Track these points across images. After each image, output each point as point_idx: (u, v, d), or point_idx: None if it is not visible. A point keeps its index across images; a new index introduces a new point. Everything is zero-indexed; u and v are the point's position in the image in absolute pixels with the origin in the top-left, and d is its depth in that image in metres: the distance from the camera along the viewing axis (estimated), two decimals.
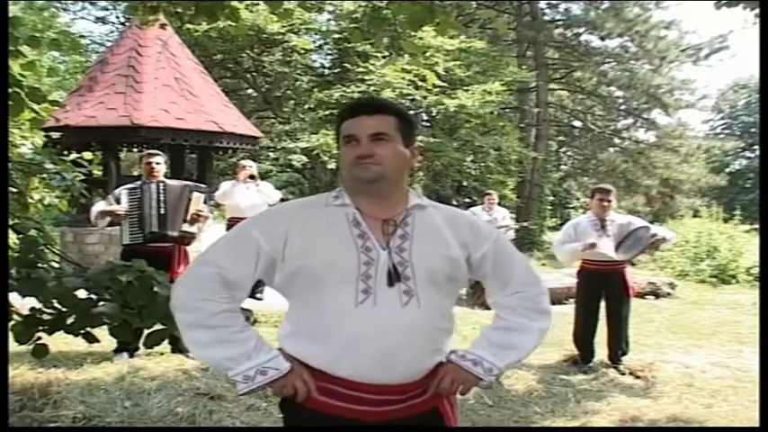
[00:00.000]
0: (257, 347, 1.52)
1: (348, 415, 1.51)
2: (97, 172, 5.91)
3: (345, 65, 13.84)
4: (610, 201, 4.82)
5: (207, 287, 1.52)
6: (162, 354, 4.72)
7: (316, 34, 15.07)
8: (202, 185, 5.05)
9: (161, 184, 4.73)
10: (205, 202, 4.91)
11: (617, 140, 23.57)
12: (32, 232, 2.46)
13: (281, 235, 1.53)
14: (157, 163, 4.82)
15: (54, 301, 2.10)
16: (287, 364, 1.52)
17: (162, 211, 4.67)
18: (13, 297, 2.17)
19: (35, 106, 2.88)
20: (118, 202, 4.73)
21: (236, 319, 1.55)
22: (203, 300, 1.52)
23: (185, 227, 4.73)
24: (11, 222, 2.46)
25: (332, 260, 1.50)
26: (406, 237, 1.55)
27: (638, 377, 4.67)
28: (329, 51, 15.37)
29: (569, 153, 25.70)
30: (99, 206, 4.77)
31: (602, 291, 4.87)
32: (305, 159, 15.19)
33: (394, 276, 1.49)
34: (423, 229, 1.57)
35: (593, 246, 4.64)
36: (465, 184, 15.39)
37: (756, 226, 13.46)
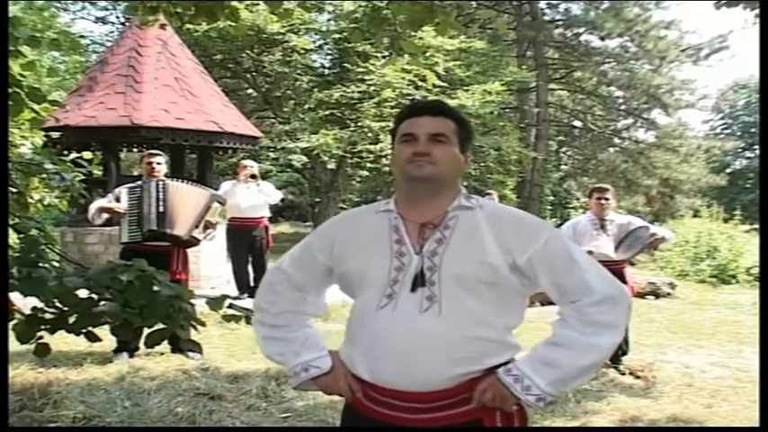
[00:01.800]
0: (306, 345, 1.62)
1: (388, 420, 1.50)
2: (97, 172, 5.91)
3: (345, 65, 13.83)
4: (607, 199, 4.82)
5: (274, 290, 1.68)
6: (162, 354, 4.72)
7: (316, 34, 15.05)
8: (223, 197, 5.11)
9: (161, 183, 4.74)
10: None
11: (617, 140, 23.57)
12: (33, 232, 2.47)
13: (329, 243, 1.62)
14: (158, 163, 4.83)
15: (55, 300, 2.10)
16: (329, 363, 1.58)
17: (161, 209, 4.68)
18: (15, 297, 2.17)
19: (35, 106, 2.88)
20: (118, 200, 4.74)
21: (297, 319, 1.66)
22: (269, 301, 1.67)
23: (196, 232, 4.76)
24: (11, 222, 2.47)
25: (364, 266, 1.54)
26: (442, 241, 1.51)
27: (638, 377, 4.67)
28: (329, 51, 15.36)
29: (569, 153, 25.70)
30: (98, 203, 4.78)
31: None
32: (305, 159, 15.18)
33: (419, 281, 1.47)
34: (461, 233, 1.51)
35: (590, 253, 4.63)
36: (465, 184, 15.34)
37: (756, 226, 13.46)
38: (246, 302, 5.02)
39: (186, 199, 4.79)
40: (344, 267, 1.58)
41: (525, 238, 1.50)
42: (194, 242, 4.84)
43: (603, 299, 1.48)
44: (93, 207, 4.74)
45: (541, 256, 1.48)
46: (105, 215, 4.77)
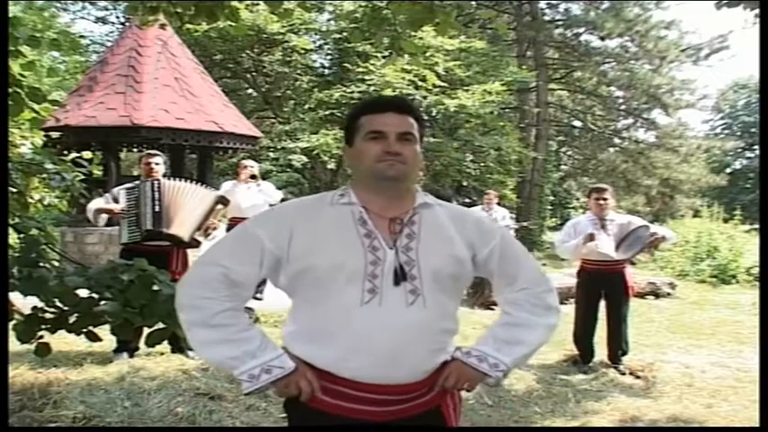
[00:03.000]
0: (262, 346, 1.52)
1: (352, 415, 1.50)
2: (97, 172, 5.91)
3: (345, 65, 13.83)
4: (606, 199, 4.83)
5: (210, 286, 1.52)
6: (162, 354, 4.72)
7: (316, 34, 15.06)
8: (227, 199, 5.07)
9: (155, 183, 4.73)
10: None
11: (617, 140, 23.58)
12: (34, 232, 2.47)
13: (285, 234, 1.53)
14: (156, 163, 4.83)
15: (56, 300, 2.10)
16: (291, 363, 1.51)
17: (156, 209, 4.66)
18: (15, 296, 2.17)
19: (35, 106, 2.88)
20: (116, 201, 4.73)
21: (240, 317, 1.54)
22: (206, 299, 1.52)
23: (198, 234, 4.75)
24: (11, 222, 2.47)
25: (339, 259, 1.49)
26: (412, 236, 1.54)
27: (638, 377, 4.67)
28: (329, 51, 15.36)
29: (569, 153, 25.70)
30: (96, 203, 4.77)
31: (601, 291, 4.87)
32: (305, 159, 15.17)
33: (400, 276, 1.48)
34: (429, 229, 1.57)
35: (591, 237, 4.65)
36: (465, 184, 15.38)
37: (756, 226, 13.47)
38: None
39: (185, 199, 4.78)
40: (309, 261, 1.50)
41: (486, 234, 1.63)
42: (195, 244, 4.83)
43: (551, 287, 1.70)
44: (91, 208, 4.73)
45: (499, 250, 1.63)
46: (104, 216, 4.77)
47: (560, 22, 20.56)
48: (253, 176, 6.90)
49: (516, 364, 1.63)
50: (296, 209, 1.63)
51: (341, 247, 1.50)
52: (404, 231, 1.54)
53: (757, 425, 3.07)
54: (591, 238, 4.67)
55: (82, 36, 18.56)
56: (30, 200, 3.46)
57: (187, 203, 4.74)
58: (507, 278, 1.66)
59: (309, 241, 1.52)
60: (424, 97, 13.50)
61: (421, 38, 11.37)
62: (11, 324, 2.13)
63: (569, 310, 5.37)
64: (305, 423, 1.58)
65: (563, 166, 25.04)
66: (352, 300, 1.47)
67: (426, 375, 1.54)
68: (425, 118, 16.70)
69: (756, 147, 31.21)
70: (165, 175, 4.93)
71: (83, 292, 2.15)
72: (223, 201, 4.92)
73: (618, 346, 4.87)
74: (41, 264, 2.23)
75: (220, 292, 1.51)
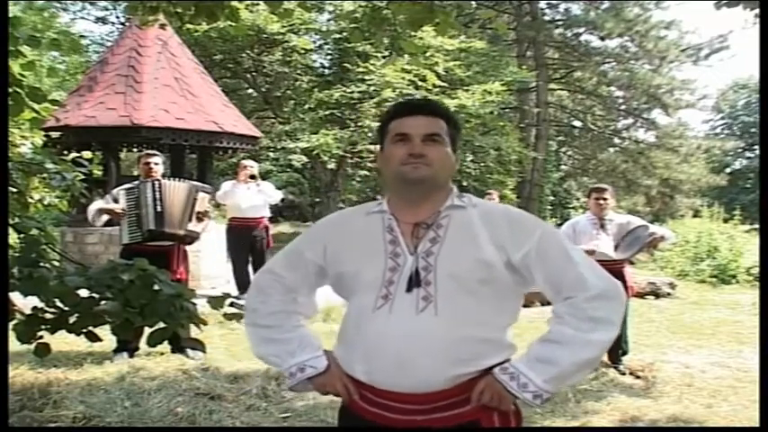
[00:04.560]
0: (302, 345, 1.60)
1: (380, 421, 1.50)
2: (97, 172, 5.90)
3: (345, 65, 13.82)
4: (606, 199, 4.83)
5: (265, 291, 1.67)
6: (162, 354, 4.72)
7: (316, 34, 15.05)
8: (207, 186, 5.10)
9: (156, 183, 4.74)
10: (210, 202, 4.96)
11: (617, 140, 23.59)
12: (34, 232, 2.46)
13: (321, 244, 1.62)
14: (155, 163, 4.84)
15: (56, 300, 2.10)
16: (325, 363, 1.57)
17: (158, 209, 4.68)
18: (15, 296, 2.17)
19: (35, 106, 2.87)
20: (116, 201, 4.74)
21: (289, 319, 1.65)
22: (261, 302, 1.66)
23: (191, 225, 4.76)
24: (12, 222, 2.46)
25: (360, 267, 1.53)
26: (436, 240, 1.50)
27: (638, 377, 4.67)
28: (329, 51, 15.35)
29: (569, 153, 25.69)
30: (97, 204, 4.79)
31: None
32: (305, 159, 15.19)
33: (414, 281, 1.46)
34: (456, 232, 1.51)
35: (591, 253, 4.63)
36: (465, 184, 15.37)
37: (756, 226, 13.46)
38: None
39: (179, 196, 4.81)
40: (339, 269, 1.58)
41: (520, 235, 1.49)
42: (194, 236, 4.84)
43: (598, 294, 1.46)
44: (91, 209, 4.74)
45: (536, 252, 1.48)
46: (105, 216, 4.78)
47: (560, 22, 20.58)
48: (252, 176, 6.90)
49: (554, 386, 1.46)
50: (335, 219, 1.73)
51: (364, 254, 1.54)
52: (427, 236, 1.51)
53: (757, 425, 3.07)
54: (591, 253, 4.64)
55: (82, 36, 18.57)
56: (30, 200, 3.47)
57: (178, 200, 4.77)
58: (552, 285, 1.49)
59: (340, 250, 1.59)
60: (424, 97, 13.50)
61: (421, 38, 11.37)
62: (11, 324, 2.13)
63: None
64: (346, 426, 1.65)
65: (563, 166, 25.04)
66: (366, 305, 1.49)
67: (452, 385, 1.45)
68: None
69: (756, 147, 31.20)
70: (163, 175, 4.94)
71: (83, 292, 2.15)
72: (202, 189, 4.93)
73: (618, 346, 4.86)
74: (41, 264, 2.22)
75: (273, 296, 1.64)
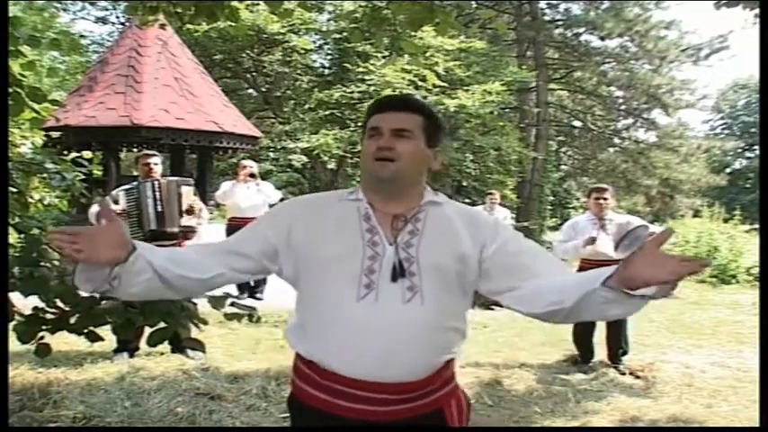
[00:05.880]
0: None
1: (349, 414, 1.47)
2: (97, 172, 5.90)
3: (345, 65, 13.84)
4: (606, 199, 4.83)
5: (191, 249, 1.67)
6: (162, 354, 4.72)
7: (316, 34, 15.07)
8: (189, 179, 5.09)
9: (156, 183, 4.74)
10: (195, 195, 4.96)
11: (617, 140, 23.59)
12: (34, 231, 2.47)
13: (285, 224, 1.56)
14: (155, 163, 4.84)
15: (57, 299, 2.10)
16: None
17: (159, 209, 4.68)
18: (16, 296, 2.17)
19: (35, 106, 2.87)
20: (116, 202, 4.74)
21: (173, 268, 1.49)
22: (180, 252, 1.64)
23: (183, 221, 4.77)
24: (12, 222, 2.47)
25: (337, 253, 1.49)
26: (415, 233, 1.52)
27: (638, 377, 4.67)
28: (329, 51, 15.37)
29: (569, 153, 25.70)
30: (96, 208, 4.79)
31: None
32: (305, 159, 15.20)
33: (398, 272, 1.47)
34: (434, 226, 1.54)
35: (593, 240, 4.66)
36: (465, 184, 15.39)
37: (756, 226, 13.47)
38: (246, 302, 5.01)
39: (171, 195, 4.82)
40: (311, 252, 1.52)
41: (496, 233, 1.56)
42: (189, 231, 4.85)
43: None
44: (92, 212, 4.75)
45: (511, 245, 1.56)
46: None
47: (560, 22, 20.57)
48: (251, 175, 6.89)
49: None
50: (304, 202, 1.69)
51: (340, 240, 1.51)
52: (406, 228, 1.52)
53: (757, 425, 3.08)
54: (592, 241, 4.67)
55: (82, 36, 18.61)
56: (30, 200, 3.46)
57: (174, 199, 4.78)
58: (527, 270, 1.53)
59: (310, 234, 1.53)
60: (425, 97, 13.47)
61: (421, 38, 11.38)
62: (11, 324, 2.13)
63: None
64: (303, 422, 1.59)
65: (563, 166, 25.05)
66: (347, 295, 1.46)
67: (426, 375, 1.49)
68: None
69: (756, 147, 31.22)
70: (162, 175, 4.94)
71: (83, 292, 2.15)
72: (182, 183, 4.93)
73: (618, 346, 4.87)
74: (42, 263, 2.22)
75: (190, 256, 1.57)
